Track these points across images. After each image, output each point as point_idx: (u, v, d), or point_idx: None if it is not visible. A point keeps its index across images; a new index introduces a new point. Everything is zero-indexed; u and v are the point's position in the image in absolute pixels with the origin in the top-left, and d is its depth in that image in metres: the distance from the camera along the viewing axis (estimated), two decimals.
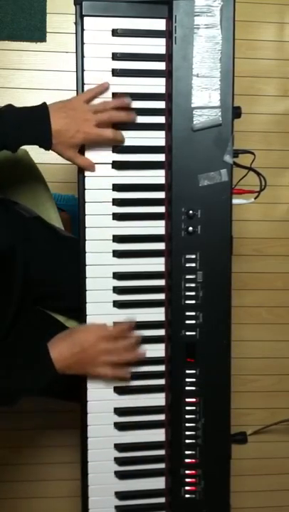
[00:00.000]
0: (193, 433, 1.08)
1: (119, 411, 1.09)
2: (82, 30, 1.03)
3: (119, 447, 1.09)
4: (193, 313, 1.06)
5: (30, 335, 1.15)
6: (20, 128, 1.00)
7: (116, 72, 1.04)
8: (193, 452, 1.08)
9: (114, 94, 1.04)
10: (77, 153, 1.03)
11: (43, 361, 1.01)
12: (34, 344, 1.05)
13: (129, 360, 1.05)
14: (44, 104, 1.02)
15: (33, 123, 1.00)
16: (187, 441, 1.08)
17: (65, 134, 1.00)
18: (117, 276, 1.07)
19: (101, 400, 1.08)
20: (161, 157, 1.07)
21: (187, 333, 1.07)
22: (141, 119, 1.06)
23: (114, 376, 1.05)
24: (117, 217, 1.06)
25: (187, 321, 1.06)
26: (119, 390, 1.08)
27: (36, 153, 1.25)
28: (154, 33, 1.05)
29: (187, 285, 1.06)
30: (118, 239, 1.06)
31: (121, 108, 1.03)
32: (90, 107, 1.02)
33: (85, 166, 1.04)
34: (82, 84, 1.04)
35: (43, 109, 1.00)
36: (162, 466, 1.11)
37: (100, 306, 1.07)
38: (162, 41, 1.05)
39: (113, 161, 1.06)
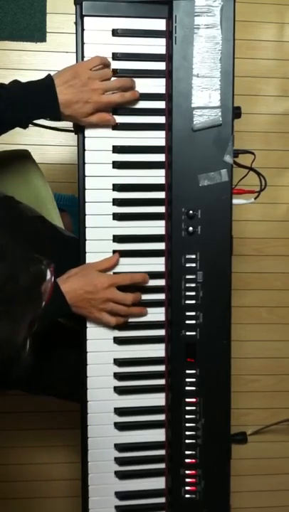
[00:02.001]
0: (193, 433, 1.08)
1: (119, 411, 1.09)
2: (83, 30, 1.03)
3: (119, 447, 1.09)
4: (193, 313, 1.06)
5: None
6: (27, 102, 1.00)
7: (116, 72, 1.04)
8: (193, 452, 1.08)
9: None
10: (91, 116, 1.03)
11: (55, 292, 1.01)
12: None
13: (133, 314, 1.07)
14: (49, 75, 1.02)
15: (40, 95, 1.00)
16: (187, 441, 1.08)
17: (74, 106, 1.01)
18: None
19: (101, 400, 1.08)
20: (161, 157, 1.07)
21: (187, 333, 1.07)
22: (141, 119, 1.06)
23: (115, 323, 1.06)
24: (117, 217, 1.06)
25: (187, 321, 1.06)
26: (120, 390, 1.08)
27: (37, 154, 1.25)
28: (154, 33, 1.05)
29: (187, 285, 1.06)
30: (118, 239, 1.06)
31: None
32: (96, 74, 1.01)
33: (104, 122, 1.04)
34: None
35: (48, 81, 1.01)
36: (162, 466, 1.11)
37: None
38: (162, 41, 1.05)
39: (113, 161, 1.06)
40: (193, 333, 1.07)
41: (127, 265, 1.07)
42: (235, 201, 1.08)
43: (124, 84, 1.03)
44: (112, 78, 1.03)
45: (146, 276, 1.07)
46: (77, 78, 1.01)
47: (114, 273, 1.06)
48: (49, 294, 0.81)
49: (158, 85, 1.06)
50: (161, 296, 1.08)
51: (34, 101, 1.01)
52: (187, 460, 1.09)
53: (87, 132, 1.05)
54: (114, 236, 1.07)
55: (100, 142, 1.05)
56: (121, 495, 1.10)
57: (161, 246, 1.08)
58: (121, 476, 1.10)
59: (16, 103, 1.00)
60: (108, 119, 1.04)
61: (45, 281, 0.82)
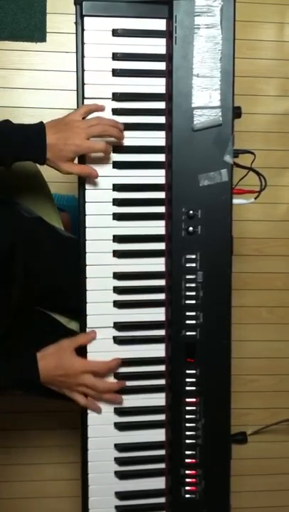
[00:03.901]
0: (193, 433, 1.08)
1: (119, 411, 1.09)
2: (83, 30, 1.03)
3: (119, 447, 1.09)
4: (193, 313, 1.06)
5: (29, 336, 1.15)
6: (17, 145, 1.01)
7: (116, 72, 1.04)
8: (193, 452, 1.08)
9: (114, 94, 1.04)
10: (73, 164, 1.03)
11: (30, 369, 1.03)
12: (24, 351, 1.06)
13: (104, 400, 1.08)
14: (41, 122, 1.03)
15: (30, 140, 1.01)
16: (187, 441, 1.08)
17: (54, 148, 1.00)
18: (117, 276, 1.07)
19: None
20: (161, 157, 1.07)
21: (187, 333, 1.07)
22: (141, 119, 1.06)
23: (85, 406, 1.07)
24: (117, 217, 1.06)
25: (187, 321, 1.06)
26: (119, 391, 1.08)
27: None
28: (154, 33, 1.05)
29: (187, 285, 1.06)
30: (118, 239, 1.06)
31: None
32: (83, 121, 1.02)
33: (85, 173, 1.04)
34: (82, 84, 1.04)
35: (39, 128, 1.01)
36: (162, 466, 1.11)
37: (100, 306, 1.07)
38: (162, 41, 1.05)
39: (113, 161, 1.06)
40: (193, 333, 1.07)
41: (127, 265, 1.07)
42: (235, 201, 1.08)
43: (111, 133, 1.02)
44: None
45: (119, 361, 1.07)
46: (64, 125, 1.01)
47: (113, 273, 1.07)
48: None
49: (158, 85, 1.06)
50: (161, 296, 1.08)
51: (23, 145, 1.01)
52: (187, 460, 1.09)
53: None
54: (114, 236, 1.07)
55: None
56: (121, 495, 1.10)
57: (161, 246, 1.08)
58: (121, 476, 1.10)
59: (4, 142, 1.01)
60: (89, 172, 1.03)
61: None
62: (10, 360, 1.05)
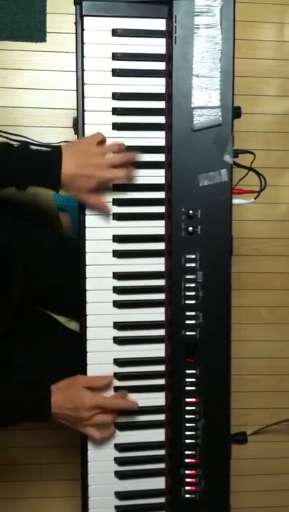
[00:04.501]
0: (193, 433, 1.08)
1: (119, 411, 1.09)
2: (82, 30, 1.03)
3: (119, 447, 1.09)
4: (193, 313, 1.06)
5: (29, 336, 1.15)
6: (32, 170, 1.00)
7: (116, 72, 1.04)
8: (193, 452, 1.08)
9: (114, 94, 1.04)
10: (91, 195, 1.03)
11: (42, 403, 1.04)
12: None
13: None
14: (59, 147, 1.01)
15: (45, 167, 1.00)
16: (187, 441, 1.08)
17: (77, 180, 1.00)
18: (117, 276, 1.07)
19: None
20: (161, 157, 1.07)
21: (187, 333, 1.07)
22: (141, 119, 1.06)
23: (100, 438, 1.06)
24: (116, 217, 1.06)
25: (187, 321, 1.06)
26: (120, 390, 1.08)
27: None
28: (154, 33, 1.05)
29: (187, 285, 1.06)
30: (118, 239, 1.06)
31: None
32: (102, 149, 1.01)
33: (98, 208, 1.04)
34: (82, 84, 1.04)
35: (56, 154, 1.00)
36: (162, 466, 1.11)
37: (100, 306, 1.07)
38: (162, 41, 1.05)
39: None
40: (193, 333, 1.07)
41: (127, 265, 1.07)
42: (235, 201, 1.08)
43: (131, 159, 1.03)
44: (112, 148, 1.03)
45: (135, 404, 1.07)
46: (83, 154, 1.00)
47: (113, 273, 1.07)
48: None
49: (158, 85, 1.06)
50: (161, 296, 1.08)
51: (38, 171, 1.00)
52: (187, 460, 1.09)
53: (86, 133, 1.05)
54: (114, 236, 1.07)
55: None
56: (121, 495, 1.10)
57: (161, 246, 1.08)
58: (121, 476, 1.10)
59: (19, 168, 0.99)
60: (104, 207, 1.04)
61: None
62: (22, 392, 1.05)
